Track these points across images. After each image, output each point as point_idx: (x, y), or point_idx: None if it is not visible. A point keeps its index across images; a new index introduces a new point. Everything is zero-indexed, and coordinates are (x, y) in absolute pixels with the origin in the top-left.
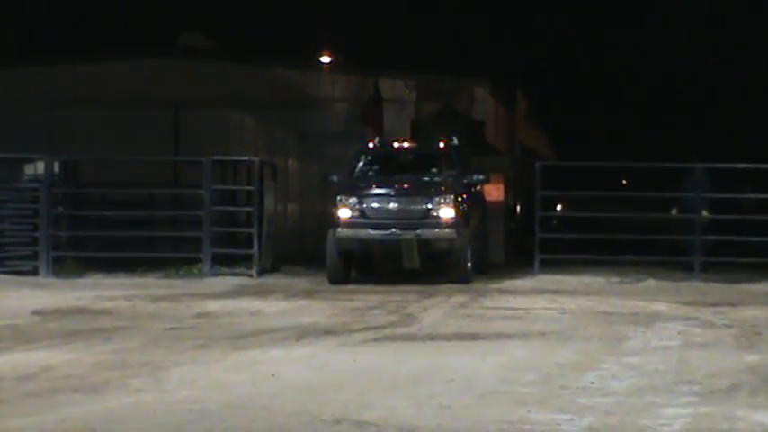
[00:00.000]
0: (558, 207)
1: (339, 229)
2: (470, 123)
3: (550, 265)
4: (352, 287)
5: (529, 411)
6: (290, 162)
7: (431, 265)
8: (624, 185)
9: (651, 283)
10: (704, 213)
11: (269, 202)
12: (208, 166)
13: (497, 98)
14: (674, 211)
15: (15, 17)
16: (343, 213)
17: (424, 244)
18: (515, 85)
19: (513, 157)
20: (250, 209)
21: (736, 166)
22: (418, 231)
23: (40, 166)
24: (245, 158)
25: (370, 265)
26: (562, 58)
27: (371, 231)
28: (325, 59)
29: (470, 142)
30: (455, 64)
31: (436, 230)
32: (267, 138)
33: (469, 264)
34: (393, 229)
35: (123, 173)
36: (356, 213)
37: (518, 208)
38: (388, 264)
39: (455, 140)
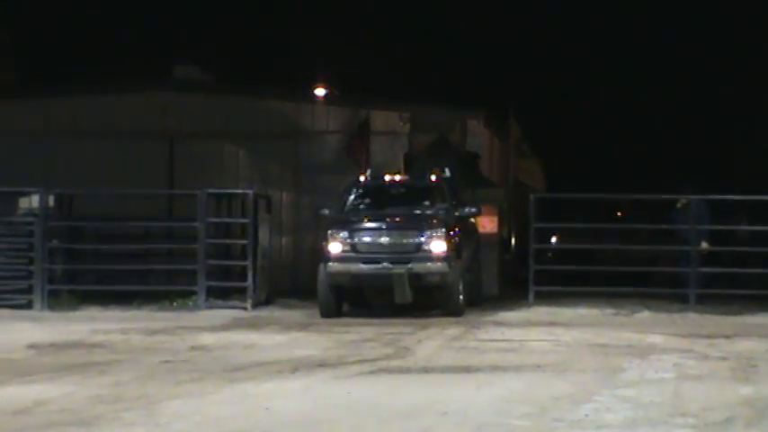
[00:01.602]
0: (553, 239)
1: (330, 264)
2: (464, 155)
3: (545, 297)
4: (346, 320)
5: None
6: (284, 194)
7: (423, 299)
8: (619, 217)
9: (646, 314)
10: (704, 245)
11: (263, 234)
12: (202, 198)
13: (491, 129)
14: (679, 204)
15: (13, 48)
16: (334, 248)
17: (416, 278)
18: (508, 116)
19: (508, 188)
20: (244, 241)
21: (731, 197)
22: (410, 265)
23: (35, 200)
24: (240, 191)
25: (363, 298)
26: (555, 89)
27: (362, 266)
28: (320, 92)
29: (464, 174)
30: (449, 96)
31: (428, 264)
32: (262, 170)
33: (462, 297)
34: (384, 263)
35: (118, 206)
36: (347, 247)
37: (513, 240)
38: (381, 298)
39: (447, 173)
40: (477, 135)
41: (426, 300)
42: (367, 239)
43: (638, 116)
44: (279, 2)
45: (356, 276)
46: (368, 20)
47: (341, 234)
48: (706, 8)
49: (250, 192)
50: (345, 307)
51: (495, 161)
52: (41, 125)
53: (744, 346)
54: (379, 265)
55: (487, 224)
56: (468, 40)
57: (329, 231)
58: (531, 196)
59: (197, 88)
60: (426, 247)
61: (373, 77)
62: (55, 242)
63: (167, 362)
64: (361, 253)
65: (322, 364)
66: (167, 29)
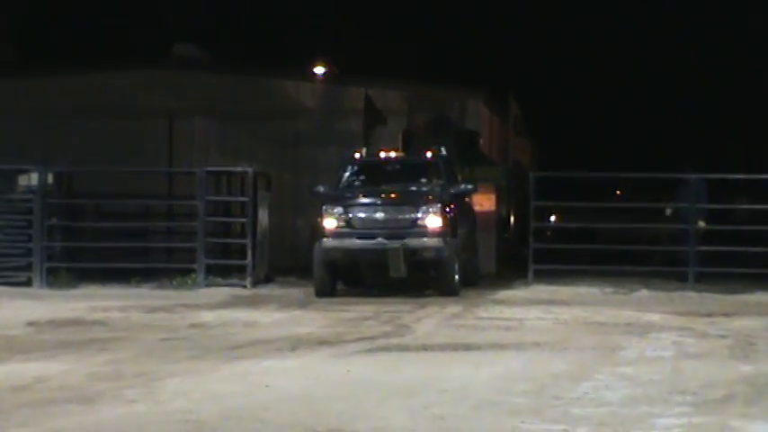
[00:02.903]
0: (552, 218)
1: (325, 240)
2: (463, 133)
3: (544, 276)
4: (345, 298)
5: (522, 422)
6: (284, 173)
7: (418, 278)
8: (618, 195)
9: (645, 293)
10: (701, 224)
11: (263, 212)
12: (202, 176)
13: (491, 108)
14: (668, 211)
15: (12, 29)
16: (329, 223)
17: (411, 253)
18: (507, 95)
19: (507, 167)
20: (244, 220)
21: (730, 176)
22: (405, 240)
23: (34, 178)
24: (240, 169)
25: (358, 277)
26: (554, 68)
27: (357, 241)
28: (320, 70)
29: (464, 152)
30: (449, 75)
31: (423, 239)
32: (261, 148)
33: (457, 276)
34: (379, 239)
35: (117, 184)
36: (342, 223)
37: (512, 218)
38: (375, 274)
39: (443, 150)
40: (477, 114)
41: (421, 279)
42: (362, 215)
43: (637, 94)
44: None
45: (351, 252)
46: None
47: (336, 210)
48: None
49: (249, 170)
50: (340, 286)
51: (495, 140)
52: (41, 104)
53: (742, 324)
54: (375, 241)
55: (485, 202)
56: (467, 20)
57: (324, 207)
58: (531, 175)
59: (196, 66)
60: (421, 223)
61: (373, 56)
62: (54, 220)
63: (167, 339)
64: (356, 228)
65: (321, 342)
66: (167, 7)
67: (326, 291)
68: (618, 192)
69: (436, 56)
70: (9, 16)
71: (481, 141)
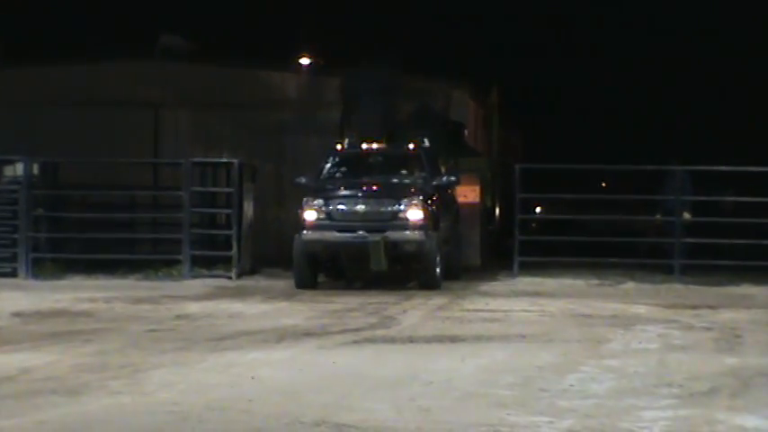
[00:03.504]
0: (537, 209)
1: (305, 232)
2: (448, 125)
3: (530, 268)
4: (330, 290)
5: (508, 414)
6: (268, 164)
7: (399, 270)
8: (604, 188)
9: (631, 285)
10: (686, 216)
11: (248, 203)
12: (187, 167)
13: (477, 100)
14: (658, 216)
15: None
16: (309, 216)
17: (392, 246)
18: (492, 87)
19: (492, 158)
20: (229, 211)
21: (716, 168)
22: (386, 233)
23: (20, 168)
24: (225, 160)
25: (339, 269)
26: (540, 61)
27: (338, 234)
28: (305, 61)
29: (449, 144)
30: (435, 67)
31: (404, 233)
32: (246, 140)
33: (439, 270)
34: (360, 231)
35: (103, 175)
36: (322, 215)
37: (497, 210)
38: (356, 267)
39: (426, 142)
40: (463, 105)
41: (403, 272)
42: (343, 207)
43: (625, 87)
44: None
45: (331, 244)
46: None
47: (316, 202)
48: None
49: (235, 161)
50: (321, 278)
51: (480, 131)
52: (27, 95)
53: (728, 316)
54: (355, 234)
55: (469, 194)
56: (454, 14)
57: (304, 199)
58: (517, 167)
59: (181, 57)
60: (403, 216)
61: (358, 47)
62: (39, 210)
63: (152, 330)
64: (336, 221)
65: (307, 334)
66: None
67: (307, 283)
68: (603, 184)
69: (422, 48)
70: None
71: (466, 133)
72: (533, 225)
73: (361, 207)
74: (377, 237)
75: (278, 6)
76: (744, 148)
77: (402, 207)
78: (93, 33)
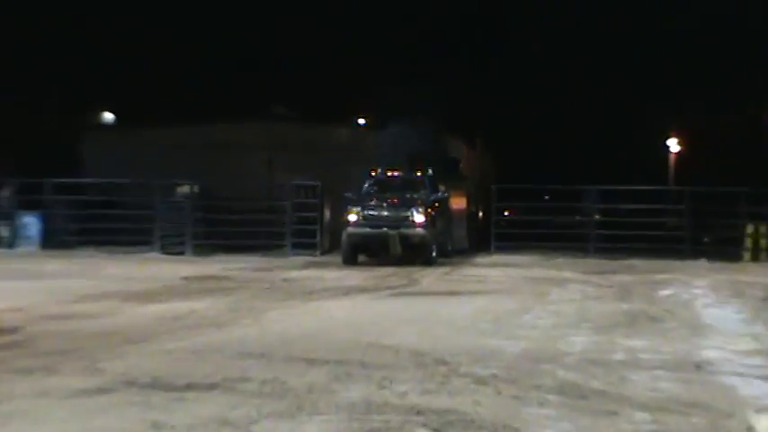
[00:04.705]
0: (506, 213)
1: (349, 228)
2: (449, 159)
3: (501, 249)
4: (369, 266)
5: (487, 339)
6: (335, 185)
7: (409, 253)
8: (546, 200)
9: (562, 260)
10: (596, 216)
11: (326, 209)
12: (291, 187)
13: (466, 144)
14: (578, 217)
15: (175, 92)
16: (352, 218)
17: (404, 238)
18: (476, 138)
19: (475, 180)
20: (315, 214)
21: (617, 187)
22: (400, 230)
23: (187, 188)
24: (313, 183)
25: (371, 253)
26: (507, 117)
27: (369, 230)
28: (361, 121)
29: (449, 172)
30: (439, 123)
31: (413, 229)
32: (322, 170)
33: (434, 252)
34: (384, 228)
35: (238, 191)
36: (360, 218)
37: (480, 213)
38: (381, 251)
39: (430, 171)
40: (459, 148)
41: (411, 254)
42: (373, 212)
43: (557, 127)
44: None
45: (365, 236)
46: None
47: (356, 208)
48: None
49: (318, 183)
50: (361, 258)
51: (469, 163)
52: (191, 142)
53: (623, 278)
54: (381, 230)
55: (460, 203)
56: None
57: (348, 207)
58: (493, 186)
59: (285, 119)
60: (411, 219)
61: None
62: (199, 214)
63: (267, 288)
64: (369, 221)
65: (363, 290)
66: (267, 78)
67: (349, 261)
68: (546, 197)
69: (432, 113)
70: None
71: (461, 165)
72: (503, 223)
73: (385, 213)
74: (394, 232)
75: (343, 87)
76: (635, 172)
77: (411, 213)
78: (232, 101)
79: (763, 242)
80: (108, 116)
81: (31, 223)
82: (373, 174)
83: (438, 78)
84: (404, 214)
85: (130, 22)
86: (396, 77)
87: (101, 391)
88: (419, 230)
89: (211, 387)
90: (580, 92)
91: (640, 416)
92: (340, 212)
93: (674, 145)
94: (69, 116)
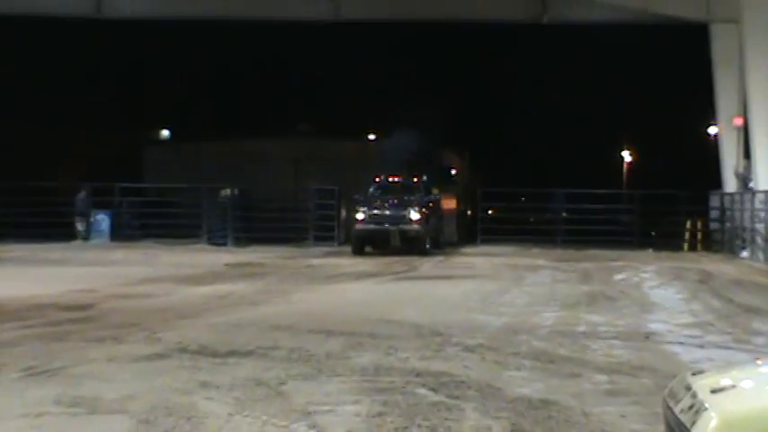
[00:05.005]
0: (489, 211)
1: (357, 225)
2: (443, 168)
3: (486, 241)
4: (375, 255)
5: (475, 315)
6: (347, 189)
7: (406, 246)
8: (522, 200)
9: (536, 250)
10: (564, 214)
11: (342, 209)
12: (313, 191)
13: (457, 155)
14: (547, 215)
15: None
16: (359, 216)
17: (402, 233)
18: (465, 150)
19: (463, 185)
20: (333, 212)
21: (580, 190)
22: (399, 226)
23: (228, 191)
24: (331, 188)
25: (375, 245)
26: (490, 132)
27: (374, 226)
28: (371, 136)
29: (443, 178)
30: (434, 136)
31: (412, 226)
32: (338, 176)
33: (428, 245)
34: (386, 225)
35: (270, 194)
36: (366, 216)
37: (468, 212)
38: (384, 244)
39: (425, 178)
40: (451, 158)
41: (408, 247)
42: (377, 212)
43: (532, 141)
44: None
45: (370, 231)
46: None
47: (363, 209)
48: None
49: (336, 188)
50: (368, 249)
51: (459, 170)
52: (232, 154)
53: (585, 265)
54: (383, 226)
55: (451, 204)
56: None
57: (356, 207)
58: (479, 190)
59: (308, 135)
60: (409, 217)
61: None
62: (238, 212)
63: (294, 273)
64: (373, 219)
65: (371, 275)
66: (294, 102)
67: (357, 252)
68: (522, 198)
69: (427, 127)
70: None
71: (453, 172)
72: (487, 220)
73: (386, 212)
74: (394, 228)
75: (356, 109)
76: (595, 178)
77: (409, 212)
78: (265, 120)
79: (698, 235)
80: (165, 133)
81: (102, 220)
82: (377, 179)
83: (437, 102)
84: (402, 213)
85: (181, 62)
86: (402, 101)
87: (158, 356)
88: (415, 227)
89: (248, 353)
90: (551, 113)
91: (599, 377)
92: (350, 211)
93: (627, 155)
94: (135, 133)
